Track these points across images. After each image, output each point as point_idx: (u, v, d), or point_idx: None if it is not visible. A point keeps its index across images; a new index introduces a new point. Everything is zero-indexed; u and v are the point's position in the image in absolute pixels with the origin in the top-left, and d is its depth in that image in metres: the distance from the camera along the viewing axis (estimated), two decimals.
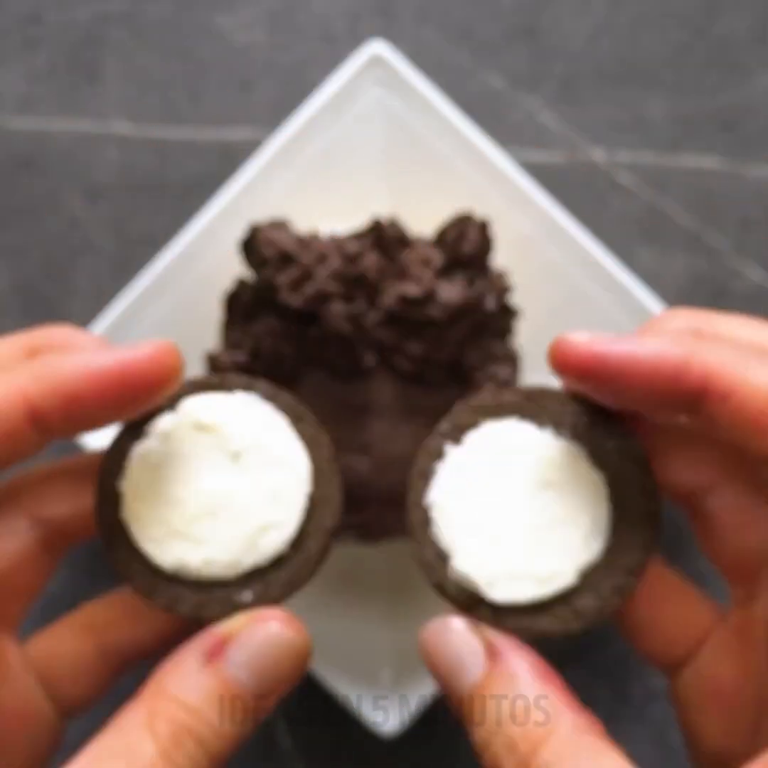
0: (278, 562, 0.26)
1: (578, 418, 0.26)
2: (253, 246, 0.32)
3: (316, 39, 0.44)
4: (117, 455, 0.26)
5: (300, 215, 0.35)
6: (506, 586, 0.25)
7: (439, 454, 0.26)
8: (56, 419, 0.24)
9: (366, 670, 0.40)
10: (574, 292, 0.39)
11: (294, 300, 0.31)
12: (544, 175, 0.44)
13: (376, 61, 0.39)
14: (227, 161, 0.44)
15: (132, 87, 0.44)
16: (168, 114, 0.44)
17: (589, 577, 0.25)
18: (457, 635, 0.24)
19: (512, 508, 0.26)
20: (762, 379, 0.22)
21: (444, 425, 0.27)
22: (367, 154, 0.39)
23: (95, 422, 0.25)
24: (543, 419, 0.26)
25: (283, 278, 0.31)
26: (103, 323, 0.39)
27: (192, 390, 0.27)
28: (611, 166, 0.44)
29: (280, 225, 0.33)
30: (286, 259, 0.31)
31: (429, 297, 0.31)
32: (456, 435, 0.26)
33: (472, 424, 0.26)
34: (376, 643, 0.40)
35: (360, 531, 0.34)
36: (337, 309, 0.31)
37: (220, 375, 0.27)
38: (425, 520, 0.26)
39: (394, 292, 0.31)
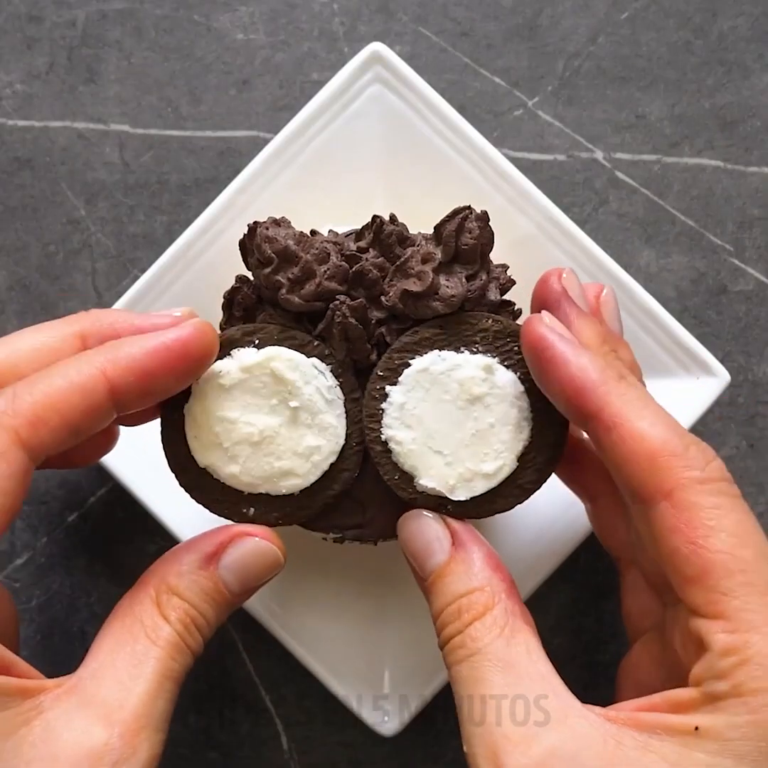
0: (285, 498, 0.32)
1: (486, 334, 0.31)
2: (253, 244, 0.32)
3: (315, 38, 0.44)
4: None
5: (300, 214, 0.35)
6: (464, 488, 0.31)
7: (383, 397, 0.31)
8: (132, 393, 0.29)
9: (366, 670, 0.40)
10: None
11: (294, 298, 0.31)
12: (544, 175, 0.44)
13: (376, 60, 0.39)
14: (227, 161, 0.44)
15: (131, 87, 0.44)
16: (168, 114, 0.44)
17: (526, 458, 0.31)
18: (428, 524, 0.31)
19: (453, 425, 0.31)
20: (643, 426, 0.27)
21: (380, 371, 0.31)
22: (366, 153, 0.39)
23: (163, 393, 0.30)
24: (457, 343, 0.31)
25: (284, 277, 0.31)
26: None
27: (277, 341, 0.31)
28: (611, 166, 0.44)
29: (280, 223, 0.33)
30: (286, 257, 0.31)
31: (431, 292, 0.31)
32: (392, 377, 0.31)
33: (402, 365, 0.31)
34: (376, 644, 0.40)
35: (360, 531, 0.33)
36: (344, 308, 0.31)
37: (303, 336, 0.31)
38: (386, 452, 0.31)
39: (395, 288, 0.31)
